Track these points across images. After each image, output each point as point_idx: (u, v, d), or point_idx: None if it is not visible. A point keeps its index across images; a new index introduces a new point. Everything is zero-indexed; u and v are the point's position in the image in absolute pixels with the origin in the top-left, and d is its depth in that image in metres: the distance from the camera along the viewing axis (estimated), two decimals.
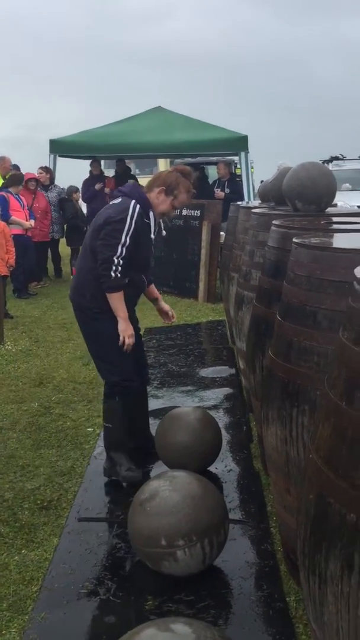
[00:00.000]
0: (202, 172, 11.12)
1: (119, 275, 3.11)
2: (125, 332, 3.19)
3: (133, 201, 3.15)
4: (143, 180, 5.78)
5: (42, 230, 9.68)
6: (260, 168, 15.77)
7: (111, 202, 3.29)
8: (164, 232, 3.53)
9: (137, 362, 3.44)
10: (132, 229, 3.11)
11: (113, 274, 3.10)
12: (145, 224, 3.21)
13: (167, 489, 2.47)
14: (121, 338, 3.18)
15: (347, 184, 12.15)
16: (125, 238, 3.10)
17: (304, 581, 1.64)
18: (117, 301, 3.17)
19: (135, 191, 3.26)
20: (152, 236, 3.28)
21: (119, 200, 3.23)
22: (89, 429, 4.10)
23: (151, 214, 3.23)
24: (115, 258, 3.08)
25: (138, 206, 3.15)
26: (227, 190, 9.99)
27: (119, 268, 3.10)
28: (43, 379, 5.16)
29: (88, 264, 3.24)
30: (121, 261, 3.10)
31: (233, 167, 11.78)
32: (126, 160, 12.46)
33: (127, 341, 3.20)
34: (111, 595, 2.45)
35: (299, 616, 2.28)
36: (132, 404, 3.42)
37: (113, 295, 3.16)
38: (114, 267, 3.09)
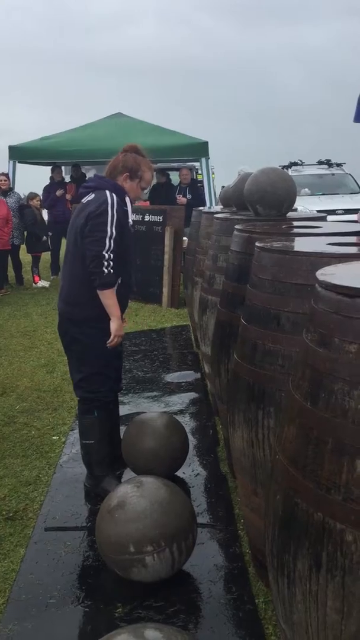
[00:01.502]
0: (167, 177, 11.16)
1: (111, 270, 2.99)
2: (118, 332, 3.09)
3: (108, 191, 3.07)
4: None
5: (1, 238, 9.56)
6: (220, 174, 15.92)
7: (85, 200, 3.15)
8: (130, 221, 3.46)
9: (117, 372, 3.36)
10: (115, 218, 3.01)
11: (105, 270, 2.98)
12: (124, 212, 3.12)
13: (134, 495, 2.47)
14: (112, 337, 3.08)
15: (306, 189, 12.33)
16: (110, 229, 2.99)
17: (272, 582, 1.66)
18: (110, 299, 3.05)
19: (105, 181, 3.16)
20: (130, 222, 3.19)
21: (92, 196, 3.12)
22: (54, 438, 4.06)
23: (127, 200, 3.16)
24: (105, 253, 2.98)
25: (114, 195, 3.07)
26: (189, 196, 10.05)
27: (111, 263, 2.99)
28: (6, 388, 5.09)
29: (77, 272, 3.10)
30: (111, 255, 2.99)
31: (194, 173, 11.86)
32: (87, 167, 12.40)
33: (116, 341, 3.10)
34: (80, 604, 2.43)
35: (268, 617, 2.30)
36: (109, 416, 3.37)
37: (106, 292, 3.04)
38: (105, 263, 2.98)
